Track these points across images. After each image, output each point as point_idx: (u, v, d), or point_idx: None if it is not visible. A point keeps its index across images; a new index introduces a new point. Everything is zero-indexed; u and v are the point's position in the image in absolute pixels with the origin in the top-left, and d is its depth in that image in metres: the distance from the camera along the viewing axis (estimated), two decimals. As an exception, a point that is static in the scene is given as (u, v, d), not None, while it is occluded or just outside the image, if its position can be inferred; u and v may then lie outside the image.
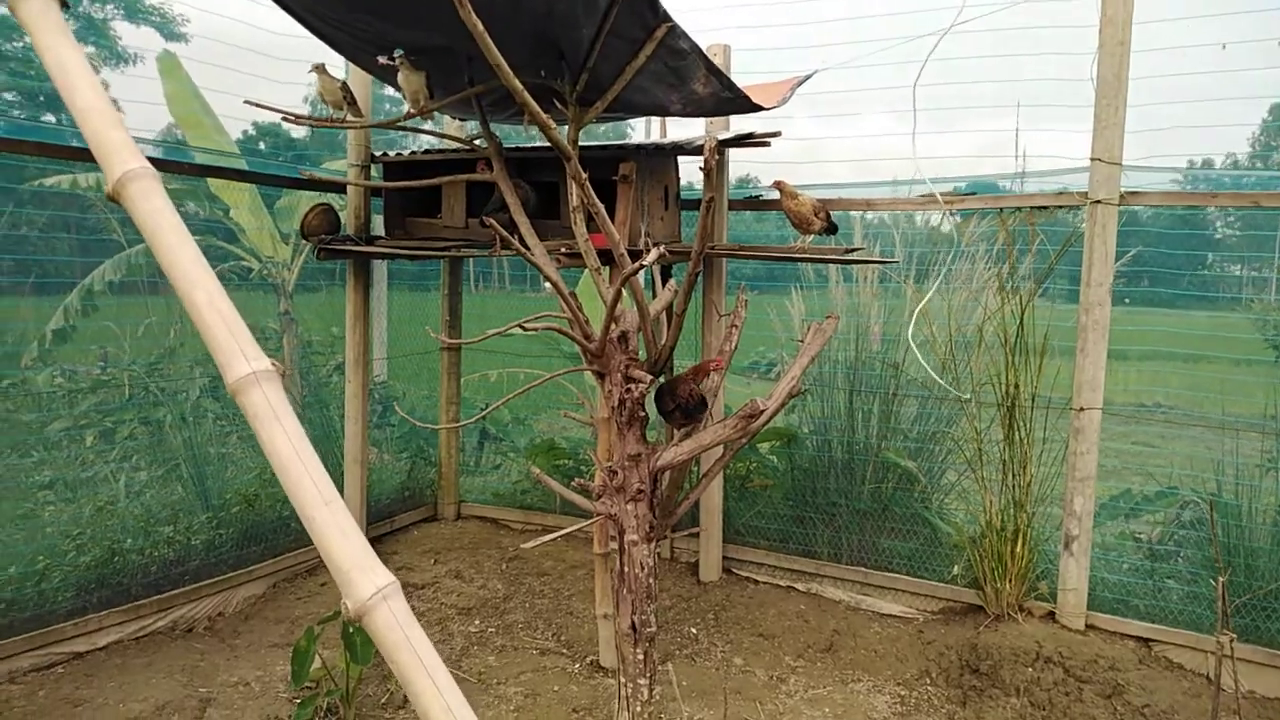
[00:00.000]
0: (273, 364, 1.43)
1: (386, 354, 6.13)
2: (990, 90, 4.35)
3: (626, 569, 3.20)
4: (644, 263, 2.45)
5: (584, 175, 2.63)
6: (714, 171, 2.52)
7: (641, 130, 7.02)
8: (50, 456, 4.17)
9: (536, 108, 2.36)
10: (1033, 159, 4.25)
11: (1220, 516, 3.87)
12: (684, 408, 3.09)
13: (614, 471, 3.17)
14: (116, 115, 1.56)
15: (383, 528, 5.10)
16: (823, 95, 4.45)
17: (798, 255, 3.95)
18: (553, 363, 6.33)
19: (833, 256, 4.01)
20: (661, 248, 2.49)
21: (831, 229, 3.85)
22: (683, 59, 3.08)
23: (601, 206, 2.73)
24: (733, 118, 4.29)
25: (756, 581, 4.69)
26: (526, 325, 2.87)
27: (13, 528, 3.64)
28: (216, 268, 5.36)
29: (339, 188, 4.64)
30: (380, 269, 5.98)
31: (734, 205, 4.54)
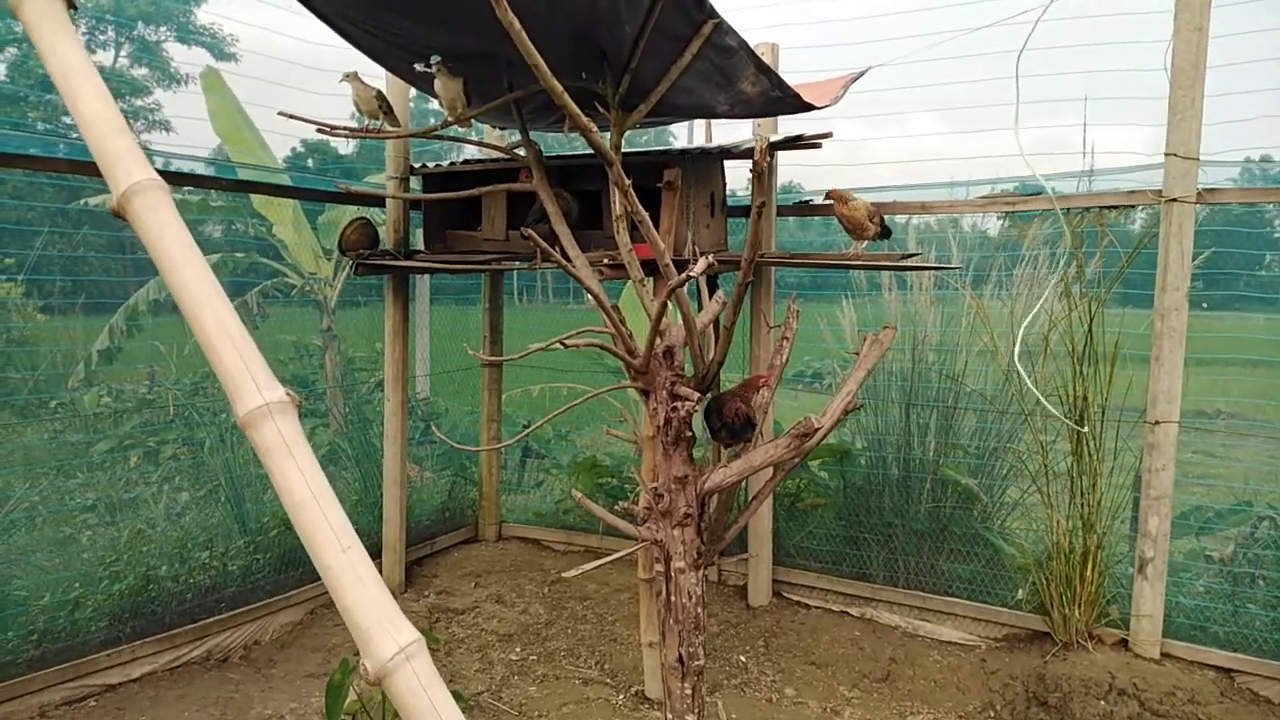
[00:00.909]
0: (287, 394, 1.30)
1: (429, 370, 6.04)
2: (1040, 86, 4.12)
3: (673, 598, 3.03)
4: (691, 273, 2.29)
5: (628, 182, 2.48)
6: (765, 174, 2.36)
7: (683, 138, 6.88)
8: (93, 478, 4.13)
9: (576, 110, 2.22)
10: (1099, 156, 4.01)
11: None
12: (730, 427, 2.92)
13: (660, 494, 3.01)
14: (122, 122, 1.45)
15: (423, 549, 4.98)
16: (869, 94, 4.26)
17: (852, 262, 3.76)
18: (596, 378, 6.19)
19: (888, 263, 3.82)
20: (710, 257, 2.34)
21: (885, 234, 3.66)
22: (730, 57, 2.93)
23: (646, 215, 2.58)
24: (780, 120, 4.12)
25: (808, 606, 4.49)
26: (567, 342, 2.72)
27: (51, 553, 3.58)
28: (259, 285, 5.34)
29: (377, 201, 4.55)
30: (423, 284, 5.90)
31: (782, 211, 4.37)
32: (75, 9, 1.49)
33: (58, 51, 1.41)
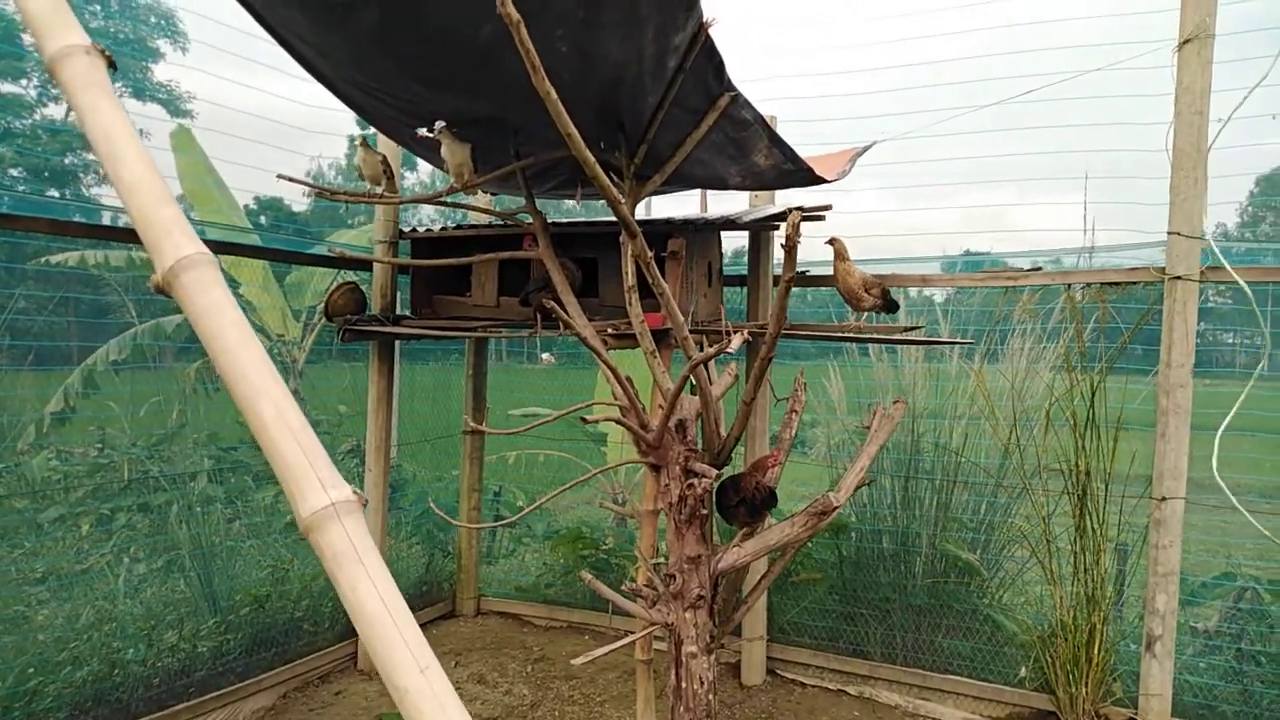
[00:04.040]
0: (354, 491, 1.17)
1: (398, 438, 5.83)
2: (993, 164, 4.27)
3: (684, 684, 2.89)
4: (727, 348, 2.21)
5: (649, 254, 2.41)
6: (796, 248, 2.30)
7: (641, 208, 6.85)
8: (43, 548, 3.86)
9: (608, 183, 2.15)
10: (1099, 233, 4.08)
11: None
12: (749, 502, 2.81)
13: (671, 575, 2.89)
14: (167, 190, 1.33)
15: (400, 626, 4.73)
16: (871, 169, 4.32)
17: (853, 335, 3.72)
18: (575, 445, 6.05)
19: (881, 336, 3.78)
20: (745, 331, 2.26)
21: (889, 307, 3.61)
22: (745, 129, 2.91)
23: (667, 286, 2.51)
24: (777, 191, 4.12)
25: (804, 684, 4.34)
26: (587, 419, 2.61)
27: (2, 631, 3.30)
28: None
29: (365, 265, 4.40)
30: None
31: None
32: (115, 69, 1.39)
33: (98, 111, 1.31)
